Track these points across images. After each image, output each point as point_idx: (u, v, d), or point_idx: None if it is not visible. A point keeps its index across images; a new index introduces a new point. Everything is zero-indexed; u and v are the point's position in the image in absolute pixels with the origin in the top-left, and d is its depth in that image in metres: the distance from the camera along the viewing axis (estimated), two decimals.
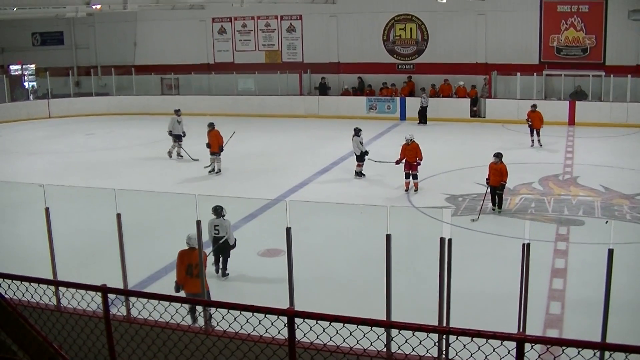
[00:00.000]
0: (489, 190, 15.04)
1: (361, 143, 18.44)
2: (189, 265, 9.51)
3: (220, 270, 11.63)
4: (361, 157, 18.47)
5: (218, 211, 11.33)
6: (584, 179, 17.84)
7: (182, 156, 21.68)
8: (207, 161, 19.90)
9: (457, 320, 6.68)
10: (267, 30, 32.86)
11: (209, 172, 19.53)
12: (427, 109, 27.35)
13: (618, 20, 26.57)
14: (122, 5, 20.38)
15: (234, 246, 11.49)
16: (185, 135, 21.67)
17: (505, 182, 14.99)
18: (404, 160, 16.90)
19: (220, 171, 19.53)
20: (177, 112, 21.89)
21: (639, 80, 26.07)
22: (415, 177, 16.84)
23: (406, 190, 16.88)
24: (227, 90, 32.00)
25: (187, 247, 9.72)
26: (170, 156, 21.77)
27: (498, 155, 15.16)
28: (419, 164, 16.86)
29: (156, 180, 18.59)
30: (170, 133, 21.59)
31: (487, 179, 15.04)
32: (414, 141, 16.94)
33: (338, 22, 31.26)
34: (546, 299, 10.31)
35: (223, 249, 11.51)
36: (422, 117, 27.48)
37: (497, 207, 14.94)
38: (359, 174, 18.59)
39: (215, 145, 19.42)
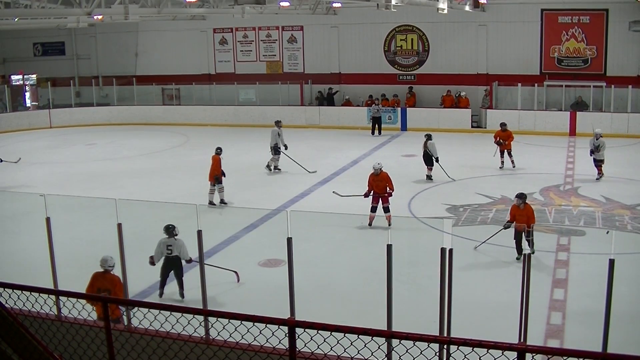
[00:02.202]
0: (513, 235, 12.59)
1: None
2: (99, 290, 8.62)
3: (178, 292, 11.03)
4: (431, 161, 18.99)
5: (170, 230, 10.88)
6: (585, 189, 17.84)
7: (279, 169, 20.80)
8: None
9: (458, 330, 6.67)
10: (268, 41, 32.95)
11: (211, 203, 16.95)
12: (381, 119, 28.14)
13: (619, 31, 26.64)
14: (123, 15, 20.36)
15: (190, 261, 10.79)
16: (286, 148, 20.72)
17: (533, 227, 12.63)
18: (372, 193, 14.88)
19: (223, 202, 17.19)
20: (278, 123, 20.97)
21: None
22: (386, 209, 14.67)
23: (369, 224, 14.75)
24: (228, 100, 32.07)
25: (101, 270, 8.90)
26: (270, 169, 20.79)
27: (521, 197, 12.51)
28: (390, 194, 14.84)
29: (157, 191, 18.57)
30: (275, 148, 20.41)
31: (508, 222, 12.73)
32: (382, 170, 14.94)
33: (339, 33, 31.34)
34: (547, 309, 10.28)
35: (176, 268, 10.99)
36: (374, 127, 27.94)
37: (531, 246, 12.00)
38: (430, 177, 19.11)
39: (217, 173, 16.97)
